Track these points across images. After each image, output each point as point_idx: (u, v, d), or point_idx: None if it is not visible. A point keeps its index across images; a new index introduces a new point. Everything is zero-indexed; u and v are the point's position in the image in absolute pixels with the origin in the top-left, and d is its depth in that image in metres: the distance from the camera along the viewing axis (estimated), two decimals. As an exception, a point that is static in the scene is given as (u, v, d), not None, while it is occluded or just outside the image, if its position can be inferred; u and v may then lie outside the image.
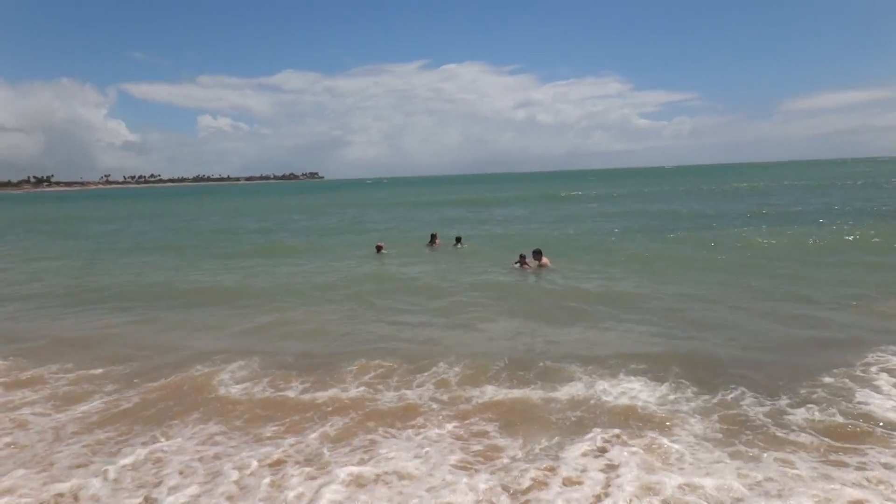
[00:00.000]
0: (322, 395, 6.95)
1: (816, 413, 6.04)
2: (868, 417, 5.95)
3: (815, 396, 6.46)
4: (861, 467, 5.05)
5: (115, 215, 50.22)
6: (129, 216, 47.97)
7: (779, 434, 5.67)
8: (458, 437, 5.81)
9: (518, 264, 16.05)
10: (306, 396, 6.99)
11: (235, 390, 7.22)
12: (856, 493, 4.63)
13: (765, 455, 5.27)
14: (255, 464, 5.37)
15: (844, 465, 5.10)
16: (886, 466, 5.03)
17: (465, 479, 4.99)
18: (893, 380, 6.84)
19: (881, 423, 5.81)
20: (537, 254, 16.19)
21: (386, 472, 5.13)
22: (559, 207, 39.23)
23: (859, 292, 11.24)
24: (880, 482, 4.78)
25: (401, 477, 5.06)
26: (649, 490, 4.75)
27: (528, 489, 4.83)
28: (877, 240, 17.90)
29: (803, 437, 5.58)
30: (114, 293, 14.00)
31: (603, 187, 67.87)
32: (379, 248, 20.18)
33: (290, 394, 7.09)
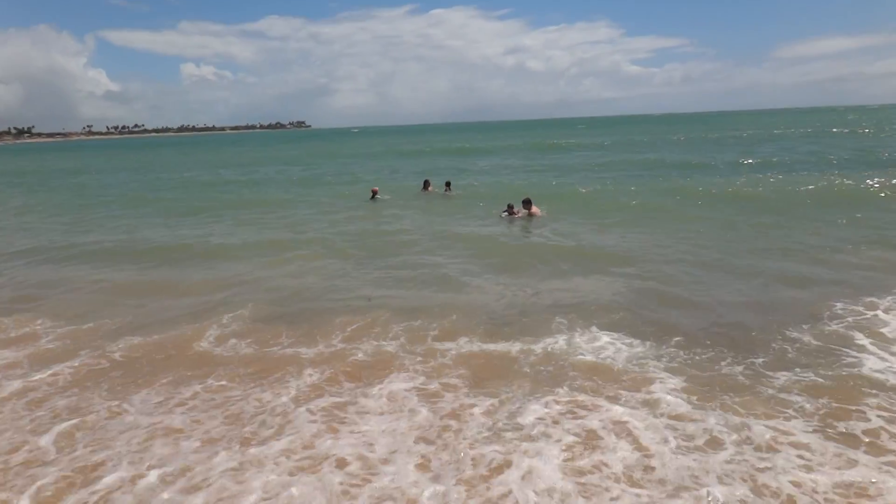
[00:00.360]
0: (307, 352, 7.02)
1: (802, 373, 6.02)
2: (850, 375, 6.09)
3: (797, 357, 6.45)
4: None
5: (102, 167, 49.35)
6: (115, 168, 47.16)
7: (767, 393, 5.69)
8: (426, 394, 5.88)
9: (506, 213, 16.20)
10: (290, 351, 7.05)
11: (219, 349, 7.24)
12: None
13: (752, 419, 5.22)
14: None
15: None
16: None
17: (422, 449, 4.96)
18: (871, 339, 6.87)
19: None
20: (527, 203, 16.28)
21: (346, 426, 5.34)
22: (545, 157, 38.99)
23: (836, 244, 11.36)
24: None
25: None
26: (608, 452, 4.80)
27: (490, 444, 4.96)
28: (860, 189, 17.87)
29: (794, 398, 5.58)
30: (104, 249, 13.86)
31: (591, 136, 67.18)
32: (374, 193, 20.57)
33: (276, 349, 7.14)
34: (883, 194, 17.13)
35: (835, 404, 5.44)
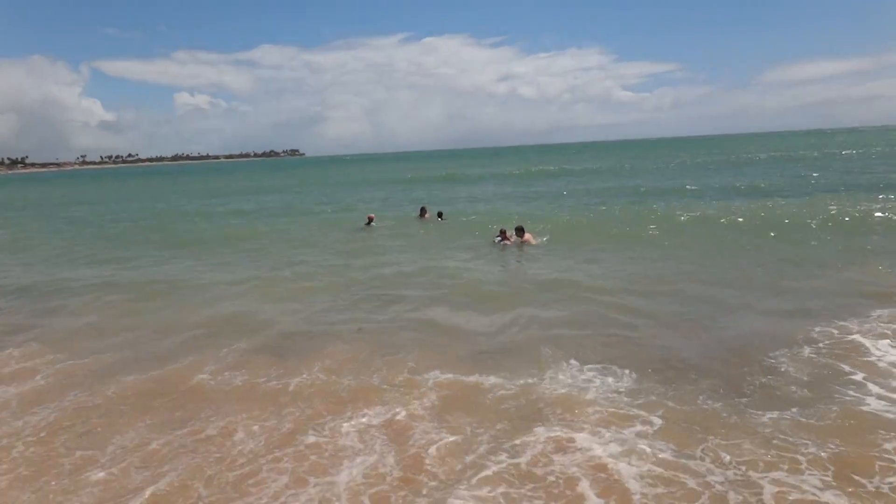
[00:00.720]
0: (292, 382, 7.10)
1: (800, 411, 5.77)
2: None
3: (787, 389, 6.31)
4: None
5: (94, 198, 49.34)
6: (107, 199, 47.17)
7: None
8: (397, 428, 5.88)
9: (499, 238, 16.31)
10: (276, 384, 7.09)
11: (212, 383, 7.26)
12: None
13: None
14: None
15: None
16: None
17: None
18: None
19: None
20: (520, 230, 16.34)
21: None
22: (535, 183, 39.23)
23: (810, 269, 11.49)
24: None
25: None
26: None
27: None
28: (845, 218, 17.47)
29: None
30: (95, 283, 13.71)
31: (582, 162, 67.85)
32: (370, 220, 20.64)
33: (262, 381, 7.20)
34: (855, 216, 17.16)
35: (844, 448, 5.05)
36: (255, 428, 6.00)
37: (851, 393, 6.13)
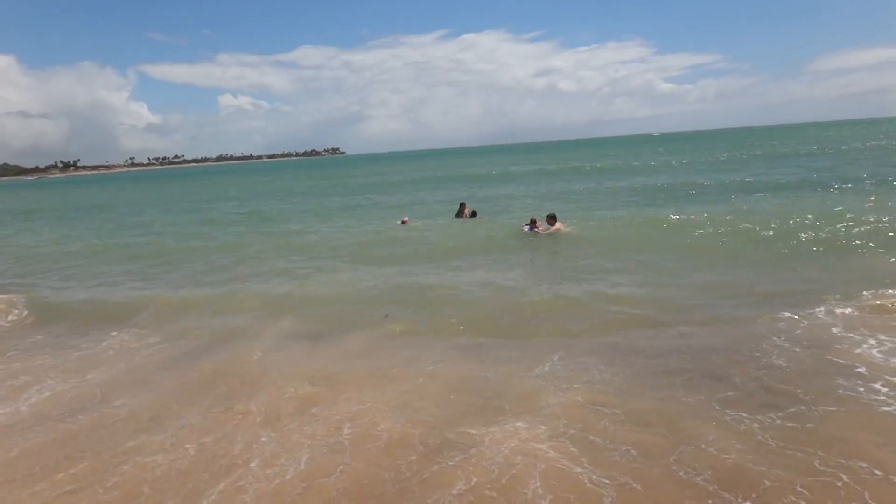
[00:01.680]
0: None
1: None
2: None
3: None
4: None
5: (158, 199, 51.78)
6: (160, 199, 49.57)
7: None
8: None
9: (528, 227, 16.64)
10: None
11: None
12: None
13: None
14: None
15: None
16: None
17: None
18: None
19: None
20: (551, 218, 16.65)
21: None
22: (579, 181, 38.17)
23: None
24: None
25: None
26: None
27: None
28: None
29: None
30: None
31: (618, 158, 66.87)
32: (404, 223, 21.17)
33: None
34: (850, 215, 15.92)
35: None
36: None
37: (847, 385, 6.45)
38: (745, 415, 5.93)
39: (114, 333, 10.20)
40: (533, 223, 16.67)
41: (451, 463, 5.40)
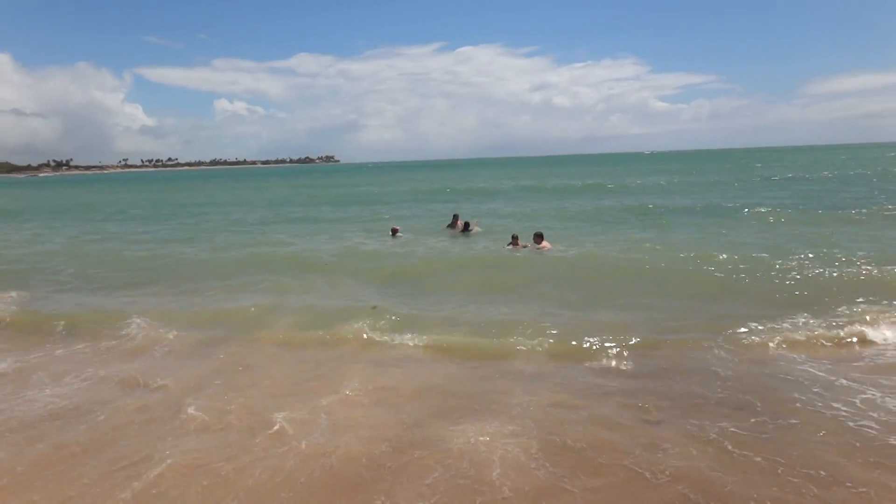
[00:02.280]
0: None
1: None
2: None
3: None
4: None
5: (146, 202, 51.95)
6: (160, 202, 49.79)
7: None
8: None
9: (511, 245, 16.82)
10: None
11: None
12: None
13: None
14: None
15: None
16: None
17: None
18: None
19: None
20: (538, 237, 16.79)
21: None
22: (574, 199, 37.42)
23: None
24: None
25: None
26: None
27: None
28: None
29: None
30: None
31: (612, 175, 67.50)
32: (394, 232, 20.79)
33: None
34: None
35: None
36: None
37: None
38: (707, 422, 6.42)
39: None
40: (515, 241, 16.83)
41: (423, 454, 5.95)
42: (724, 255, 14.74)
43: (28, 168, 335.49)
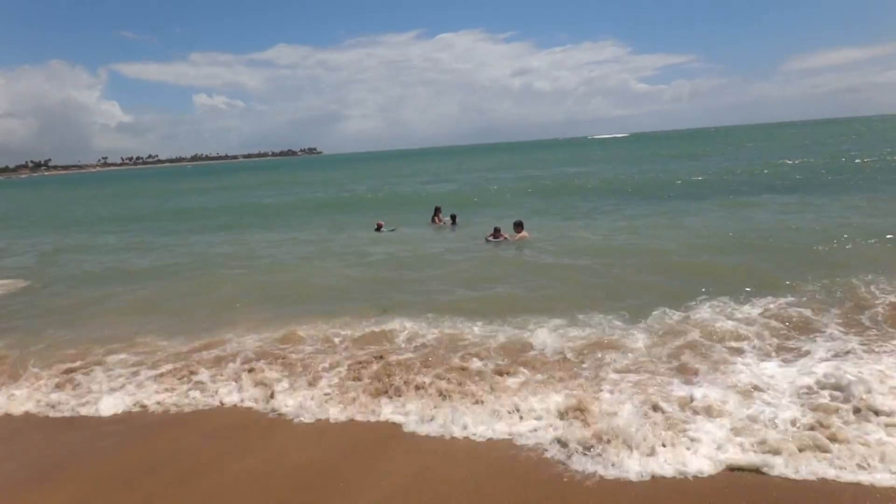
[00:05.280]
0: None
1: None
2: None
3: None
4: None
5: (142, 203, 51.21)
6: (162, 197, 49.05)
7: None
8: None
9: (492, 236, 16.48)
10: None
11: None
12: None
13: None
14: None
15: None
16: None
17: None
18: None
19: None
20: (518, 225, 16.56)
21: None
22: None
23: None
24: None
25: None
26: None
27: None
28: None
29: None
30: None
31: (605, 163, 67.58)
32: (379, 227, 20.79)
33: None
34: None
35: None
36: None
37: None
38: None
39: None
40: (497, 232, 16.61)
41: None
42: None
43: (6, 170, 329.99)
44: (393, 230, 20.89)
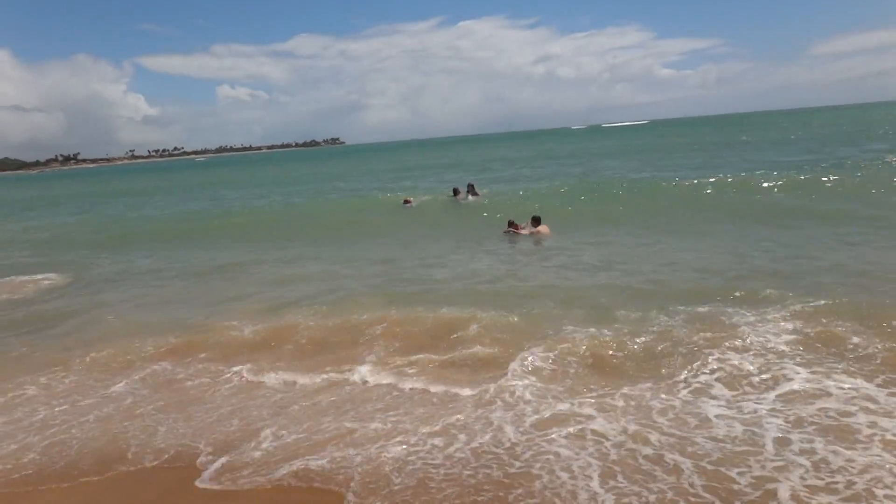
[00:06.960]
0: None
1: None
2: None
3: None
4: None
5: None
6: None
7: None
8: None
9: (510, 230, 15.65)
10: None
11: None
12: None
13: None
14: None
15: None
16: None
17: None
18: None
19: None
20: (536, 220, 15.60)
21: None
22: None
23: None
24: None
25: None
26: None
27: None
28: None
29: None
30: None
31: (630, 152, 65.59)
32: (406, 202, 22.31)
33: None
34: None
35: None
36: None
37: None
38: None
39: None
40: (513, 225, 15.84)
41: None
42: None
43: (37, 164, 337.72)
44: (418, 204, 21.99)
